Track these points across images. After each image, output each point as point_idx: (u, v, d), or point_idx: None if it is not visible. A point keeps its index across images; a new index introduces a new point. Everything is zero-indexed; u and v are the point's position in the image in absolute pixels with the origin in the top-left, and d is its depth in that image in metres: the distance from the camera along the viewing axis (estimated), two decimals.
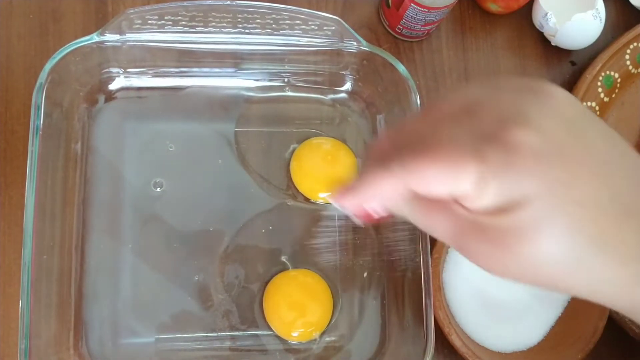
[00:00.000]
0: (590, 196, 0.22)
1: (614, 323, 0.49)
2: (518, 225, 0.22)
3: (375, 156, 0.26)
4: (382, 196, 0.26)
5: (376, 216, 0.28)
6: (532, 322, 0.47)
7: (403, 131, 0.26)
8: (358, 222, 0.29)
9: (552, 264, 0.22)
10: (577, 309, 0.47)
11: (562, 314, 0.48)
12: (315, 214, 0.49)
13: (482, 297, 0.46)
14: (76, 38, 0.43)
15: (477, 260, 0.25)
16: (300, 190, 0.49)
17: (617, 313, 0.48)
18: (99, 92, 0.47)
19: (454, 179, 0.22)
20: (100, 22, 0.50)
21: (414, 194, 0.25)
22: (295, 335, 0.45)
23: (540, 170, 0.21)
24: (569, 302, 0.48)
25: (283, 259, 0.47)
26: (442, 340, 0.45)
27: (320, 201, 0.49)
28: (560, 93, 0.23)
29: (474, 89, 0.25)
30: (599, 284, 0.23)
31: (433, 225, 0.26)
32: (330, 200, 0.27)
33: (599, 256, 0.22)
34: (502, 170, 0.22)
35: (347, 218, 0.28)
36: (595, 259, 0.22)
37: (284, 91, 0.50)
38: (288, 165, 0.49)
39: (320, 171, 0.49)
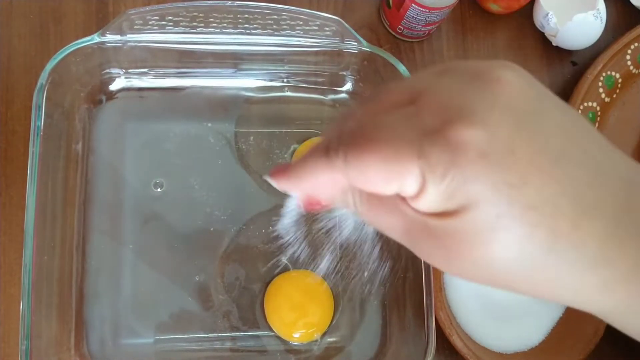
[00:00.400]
0: (544, 198, 0.20)
1: None
2: (466, 229, 0.20)
3: (322, 144, 0.23)
4: (320, 188, 0.23)
5: (315, 205, 0.26)
6: (533, 323, 0.47)
7: (348, 119, 0.23)
8: (298, 209, 0.26)
9: (507, 270, 0.21)
10: (578, 310, 0.47)
11: (563, 314, 0.48)
12: (315, 214, 0.49)
13: (483, 297, 0.46)
14: (77, 38, 0.43)
15: (430, 261, 0.23)
16: None
17: None
18: (99, 93, 0.47)
19: (396, 177, 0.20)
20: (101, 22, 0.50)
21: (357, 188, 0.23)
22: (297, 336, 0.45)
23: (487, 173, 0.19)
24: None
25: (284, 259, 0.47)
26: (443, 340, 0.45)
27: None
28: (512, 78, 0.21)
29: (422, 76, 0.23)
30: (562, 289, 0.21)
31: (379, 222, 0.24)
32: (267, 179, 0.25)
33: (557, 262, 0.20)
34: (444, 171, 0.20)
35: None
36: (552, 264, 0.20)
37: (284, 91, 0.50)
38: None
39: None
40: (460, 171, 0.19)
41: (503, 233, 0.20)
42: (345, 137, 0.22)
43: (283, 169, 0.24)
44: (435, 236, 0.21)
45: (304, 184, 0.24)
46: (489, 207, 0.20)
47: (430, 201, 0.20)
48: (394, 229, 0.23)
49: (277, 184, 0.25)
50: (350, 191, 0.23)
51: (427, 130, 0.20)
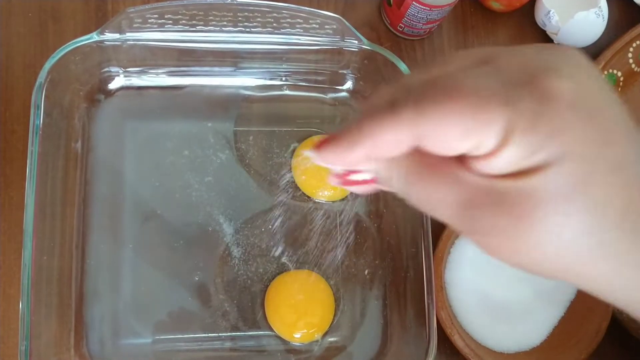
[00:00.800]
0: (623, 161, 0.19)
1: (617, 323, 0.48)
2: (544, 190, 0.19)
3: (376, 103, 0.21)
4: (382, 148, 0.21)
5: (353, 183, 0.24)
6: (535, 323, 0.47)
7: (411, 80, 0.21)
8: (335, 182, 0.24)
9: (574, 244, 0.19)
10: (580, 309, 0.47)
11: (564, 314, 0.47)
12: (316, 213, 0.48)
13: (484, 297, 0.46)
14: (76, 37, 0.42)
15: (486, 239, 0.21)
16: (301, 189, 0.48)
17: (620, 313, 0.48)
18: (98, 92, 0.47)
19: (478, 127, 0.19)
20: (100, 20, 0.50)
21: (412, 156, 0.21)
22: (297, 336, 0.45)
23: (575, 126, 0.19)
24: (571, 302, 0.47)
25: (284, 259, 0.47)
26: (444, 340, 0.44)
27: (322, 200, 0.48)
28: (582, 55, 0.21)
29: (485, 48, 0.22)
30: (616, 278, 0.20)
31: (429, 196, 0.21)
32: (310, 153, 0.23)
33: (625, 239, 0.19)
34: (534, 120, 0.18)
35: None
36: (622, 236, 0.19)
37: (284, 90, 0.50)
38: (288, 164, 0.49)
39: (323, 168, 0.48)
40: (550, 121, 0.19)
41: (584, 196, 0.19)
42: (416, 90, 0.20)
43: (332, 137, 0.22)
44: (503, 203, 0.20)
45: (359, 149, 0.21)
46: (574, 165, 0.19)
47: (509, 157, 0.19)
48: (447, 202, 0.21)
49: (325, 154, 0.22)
50: (396, 163, 0.22)
51: (515, 81, 0.19)
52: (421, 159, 0.21)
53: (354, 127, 0.21)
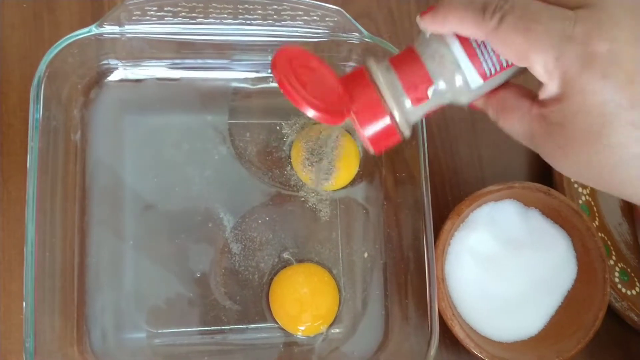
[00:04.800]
0: None
1: (614, 312, 0.49)
2: (583, 113, 0.24)
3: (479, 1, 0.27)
4: (460, 29, 0.28)
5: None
6: (533, 312, 0.48)
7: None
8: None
9: (620, 164, 0.25)
10: (577, 299, 0.47)
11: (562, 303, 0.48)
12: (317, 203, 0.48)
13: (483, 288, 0.47)
14: (72, 28, 0.42)
15: (552, 162, 0.28)
16: (302, 179, 0.48)
17: (617, 301, 0.49)
18: (97, 84, 0.46)
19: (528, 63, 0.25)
20: (96, 11, 0.49)
21: (502, 94, 0.29)
22: (303, 329, 0.45)
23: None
24: (568, 291, 0.48)
25: (285, 254, 0.47)
26: (444, 331, 0.45)
27: (323, 190, 0.48)
28: None
29: None
30: None
31: (510, 125, 0.29)
32: (417, 20, 0.30)
33: None
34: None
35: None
36: None
37: None
38: (287, 156, 0.49)
39: (324, 159, 0.48)
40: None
41: (622, 119, 0.24)
42: (506, 7, 0.26)
43: (431, 9, 0.29)
44: (552, 132, 0.26)
45: (446, 26, 0.28)
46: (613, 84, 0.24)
47: (553, 86, 0.25)
48: (520, 132, 0.29)
49: (423, 22, 0.29)
50: (491, 100, 0.30)
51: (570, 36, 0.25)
52: (508, 97, 0.29)
53: (450, 9, 0.28)
